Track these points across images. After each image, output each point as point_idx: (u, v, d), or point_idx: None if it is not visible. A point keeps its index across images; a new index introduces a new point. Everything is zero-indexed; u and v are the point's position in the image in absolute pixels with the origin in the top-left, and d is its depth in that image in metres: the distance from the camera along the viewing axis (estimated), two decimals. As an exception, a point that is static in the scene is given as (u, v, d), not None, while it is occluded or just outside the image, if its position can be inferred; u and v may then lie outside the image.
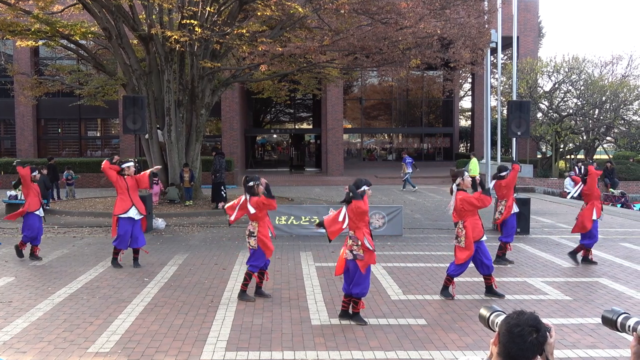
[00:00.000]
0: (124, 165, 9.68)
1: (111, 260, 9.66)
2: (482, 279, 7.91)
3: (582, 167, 24.49)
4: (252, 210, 7.40)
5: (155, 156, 18.16)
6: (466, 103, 48.87)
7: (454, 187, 7.73)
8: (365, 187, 6.76)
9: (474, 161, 22.38)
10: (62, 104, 30.58)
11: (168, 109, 17.03)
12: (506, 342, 2.07)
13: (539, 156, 32.49)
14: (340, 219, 6.66)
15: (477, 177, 8.12)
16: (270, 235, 7.63)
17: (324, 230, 6.92)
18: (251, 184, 7.44)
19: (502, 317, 2.28)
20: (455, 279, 7.87)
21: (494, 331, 2.32)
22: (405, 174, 24.45)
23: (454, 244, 7.81)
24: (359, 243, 6.57)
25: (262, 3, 15.21)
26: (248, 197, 7.46)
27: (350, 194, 6.62)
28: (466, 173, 7.87)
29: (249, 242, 7.56)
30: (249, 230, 7.55)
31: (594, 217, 9.78)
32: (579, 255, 10.02)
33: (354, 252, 6.57)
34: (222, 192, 17.17)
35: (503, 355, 2.08)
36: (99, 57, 20.13)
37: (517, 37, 21.68)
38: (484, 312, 2.38)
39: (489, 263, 7.72)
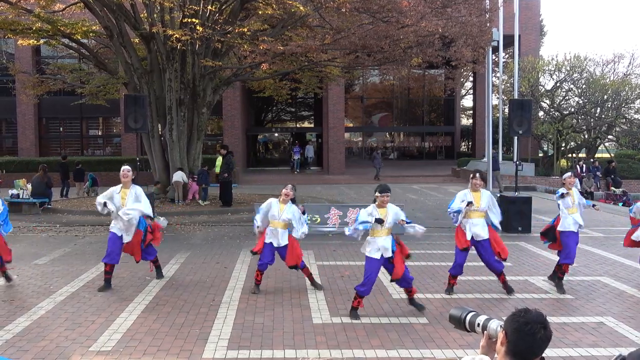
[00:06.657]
0: None
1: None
2: (488, 278, 7.91)
3: (584, 165, 24.62)
4: None
5: (156, 155, 18.18)
6: (467, 102, 48.81)
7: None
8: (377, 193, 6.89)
9: (219, 159, 23.97)
10: (63, 102, 30.58)
11: (169, 107, 17.04)
12: (516, 340, 2.09)
13: (540, 155, 32.44)
14: None
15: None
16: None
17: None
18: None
19: (483, 317, 2.27)
20: (458, 277, 7.95)
21: (468, 331, 2.31)
22: (293, 159, 33.18)
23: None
24: None
25: (264, 2, 15.18)
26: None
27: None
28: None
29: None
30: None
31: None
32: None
33: None
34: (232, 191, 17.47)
35: (512, 353, 2.10)
36: (100, 55, 20.10)
37: (519, 36, 21.66)
38: (456, 312, 2.34)
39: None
